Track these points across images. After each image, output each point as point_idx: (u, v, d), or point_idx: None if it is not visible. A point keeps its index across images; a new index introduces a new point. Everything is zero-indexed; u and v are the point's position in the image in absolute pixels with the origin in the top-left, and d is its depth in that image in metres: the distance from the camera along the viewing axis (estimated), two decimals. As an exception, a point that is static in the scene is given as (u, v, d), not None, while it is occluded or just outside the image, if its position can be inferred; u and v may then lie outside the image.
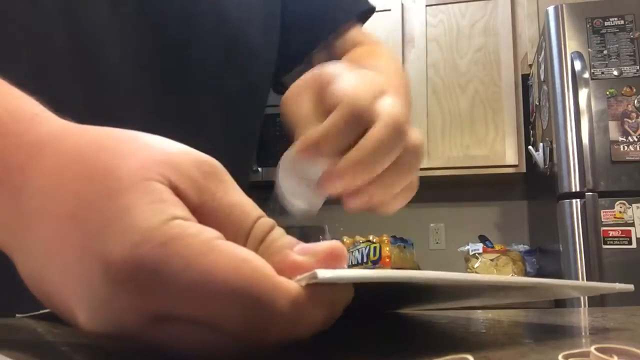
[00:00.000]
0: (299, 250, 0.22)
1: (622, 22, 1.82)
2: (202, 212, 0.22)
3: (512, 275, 2.04)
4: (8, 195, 0.22)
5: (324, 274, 0.19)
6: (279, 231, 0.23)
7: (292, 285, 0.20)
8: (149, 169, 0.21)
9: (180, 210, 0.20)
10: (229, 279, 0.19)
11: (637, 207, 1.69)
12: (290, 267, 0.21)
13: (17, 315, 0.33)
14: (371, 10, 0.65)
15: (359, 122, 0.34)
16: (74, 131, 0.24)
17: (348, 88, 0.35)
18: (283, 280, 0.20)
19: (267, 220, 0.23)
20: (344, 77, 0.36)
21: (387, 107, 0.35)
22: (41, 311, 0.28)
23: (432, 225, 2.69)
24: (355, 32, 0.63)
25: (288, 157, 0.35)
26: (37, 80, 0.28)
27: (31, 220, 0.22)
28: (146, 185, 0.20)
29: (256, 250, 0.21)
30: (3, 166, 0.23)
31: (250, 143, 0.63)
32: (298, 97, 0.37)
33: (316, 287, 0.20)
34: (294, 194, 0.35)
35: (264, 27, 0.58)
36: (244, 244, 0.22)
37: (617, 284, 0.34)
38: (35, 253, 0.22)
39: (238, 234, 0.22)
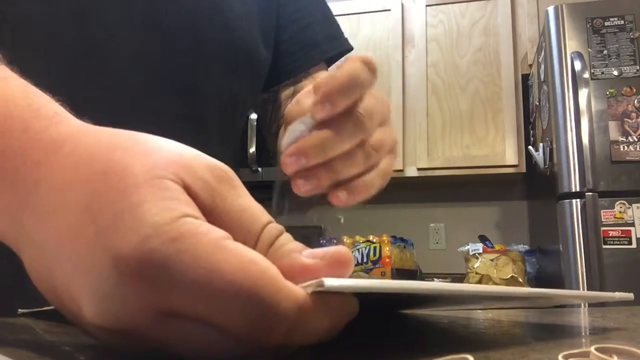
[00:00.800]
0: (307, 254, 0.22)
1: (622, 22, 1.82)
2: (214, 215, 0.22)
3: (511, 276, 2.04)
4: (23, 190, 0.23)
5: (331, 282, 0.19)
6: (287, 236, 0.23)
7: (298, 290, 0.20)
8: (163, 168, 0.21)
9: (192, 209, 0.21)
10: (235, 279, 0.19)
11: (637, 207, 1.69)
12: (298, 269, 0.21)
13: (19, 310, 0.33)
14: (348, 50, 0.65)
15: (368, 74, 0.34)
16: (90, 131, 0.24)
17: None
18: (289, 284, 0.20)
19: (276, 226, 0.23)
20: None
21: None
22: (44, 308, 0.28)
23: (432, 225, 2.69)
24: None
25: (295, 123, 0.34)
26: (49, 79, 0.29)
27: (45, 215, 0.22)
28: (159, 183, 0.21)
29: (265, 253, 0.22)
30: (21, 161, 0.23)
31: (237, 144, 0.65)
32: (301, 100, 0.37)
33: (322, 295, 0.20)
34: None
35: (262, 36, 0.60)
36: (253, 248, 0.22)
37: (617, 293, 0.34)
38: (46, 247, 0.22)
39: (247, 237, 0.22)
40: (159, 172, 0.21)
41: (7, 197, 0.23)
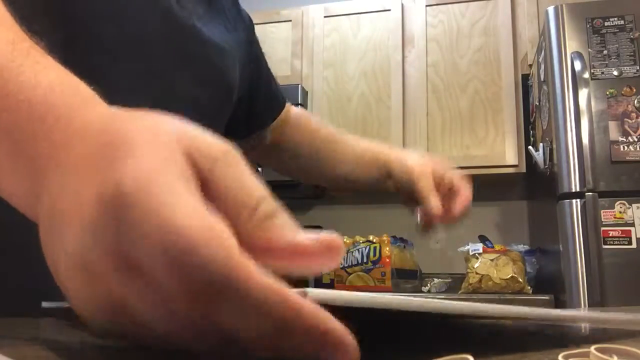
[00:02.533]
0: (297, 234, 0.22)
1: (622, 22, 1.82)
2: (211, 184, 0.22)
3: (511, 276, 2.04)
4: (51, 168, 0.24)
5: (313, 292, 0.19)
6: (283, 215, 0.23)
7: (253, 267, 0.19)
8: (168, 134, 0.22)
9: (186, 171, 0.21)
10: (185, 232, 0.19)
11: (637, 207, 1.69)
12: (283, 244, 0.21)
13: (43, 303, 0.33)
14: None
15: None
16: (118, 116, 0.25)
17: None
18: (245, 259, 0.19)
19: (272, 203, 0.23)
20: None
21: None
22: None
23: (432, 225, 2.68)
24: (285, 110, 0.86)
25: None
26: None
27: (60, 194, 0.23)
28: (163, 145, 0.22)
29: (255, 229, 0.22)
30: (62, 132, 0.25)
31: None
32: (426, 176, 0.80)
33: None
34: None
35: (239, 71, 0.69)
36: (246, 223, 0.22)
37: None
38: (55, 225, 0.23)
39: (242, 211, 0.22)
40: (163, 137, 0.22)
41: (29, 180, 0.25)
